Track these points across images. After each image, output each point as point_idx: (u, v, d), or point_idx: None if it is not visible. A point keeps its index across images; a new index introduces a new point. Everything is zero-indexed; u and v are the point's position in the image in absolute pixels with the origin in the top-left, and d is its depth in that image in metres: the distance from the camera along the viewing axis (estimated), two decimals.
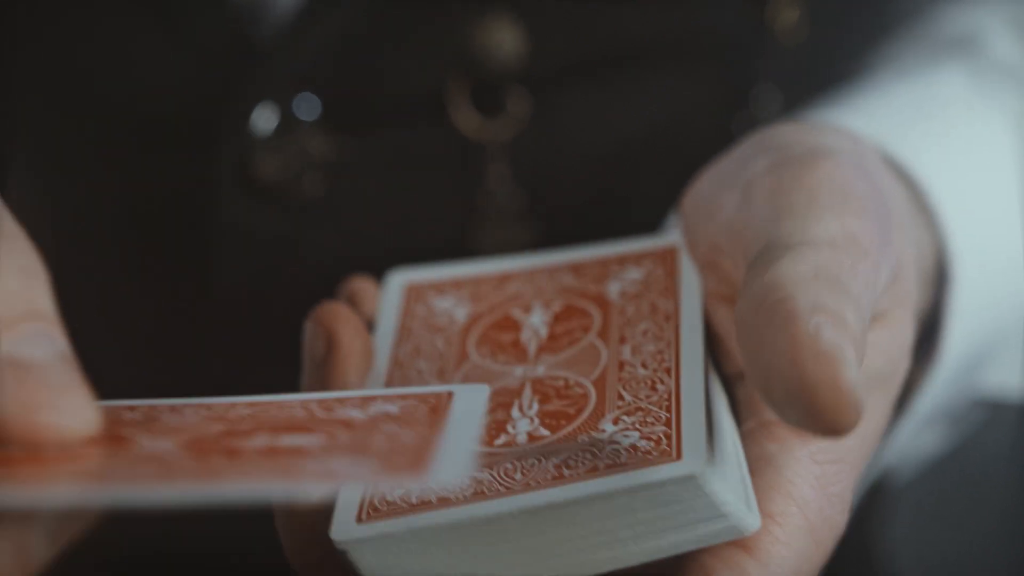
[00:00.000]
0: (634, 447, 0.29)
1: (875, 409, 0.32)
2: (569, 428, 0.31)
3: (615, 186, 0.48)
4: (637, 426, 0.30)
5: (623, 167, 0.48)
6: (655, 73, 0.49)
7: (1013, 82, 0.44)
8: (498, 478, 0.30)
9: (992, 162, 0.41)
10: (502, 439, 0.31)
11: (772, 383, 0.27)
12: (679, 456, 0.29)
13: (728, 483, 0.28)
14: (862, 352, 0.27)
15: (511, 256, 0.38)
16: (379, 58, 0.46)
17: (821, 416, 0.26)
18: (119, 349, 0.48)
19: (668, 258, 0.35)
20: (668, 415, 0.30)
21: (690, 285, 0.34)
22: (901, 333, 0.32)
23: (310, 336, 0.33)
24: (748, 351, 0.27)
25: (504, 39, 0.47)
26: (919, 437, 0.48)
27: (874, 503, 0.55)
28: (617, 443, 0.30)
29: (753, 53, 0.49)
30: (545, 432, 0.31)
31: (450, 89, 0.47)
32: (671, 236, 0.36)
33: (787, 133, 0.34)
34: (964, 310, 0.38)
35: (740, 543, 0.29)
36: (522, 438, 0.31)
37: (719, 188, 0.33)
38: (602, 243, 0.36)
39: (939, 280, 0.40)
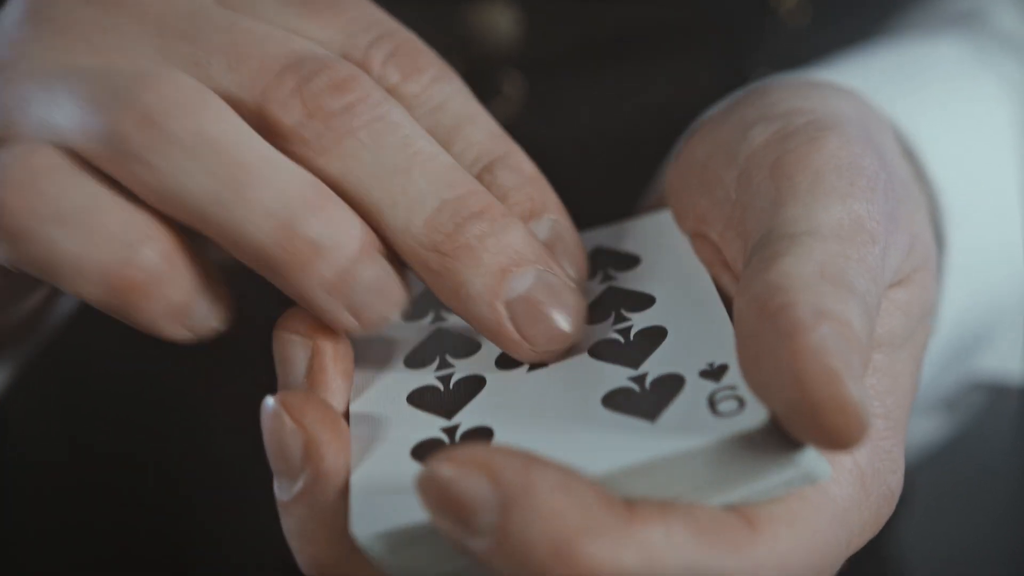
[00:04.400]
0: None
1: (903, 370, 0.31)
2: None
3: (611, 171, 0.47)
4: None
5: (619, 152, 0.48)
6: (653, 56, 0.48)
7: (1015, 52, 0.44)
8: None
9: (989, 130, 0.41)
10: None
11: (773, 396, 0.26)
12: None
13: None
14: (868, 356, 0.27)
15: None
16: None
17: (826, 433, 0.25)
18: None
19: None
20: None
21: (688, 252, 0.33)
22: (923, 293, 0.32)
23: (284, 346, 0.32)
24: (747, 357, 0.27)
25: (499, 21, 0.47)
26: (918, 424, 0.48)
27: None
28: None
29: (753, 36, 0.49)
30: None
31: None
32: (660, 214, 0.35)
33: (789, 97, 0.33)
34: (959, 278, 0.38)
35: None
36: None
37: (715, 157, 0.32)
38: (590, 230, 0.35)
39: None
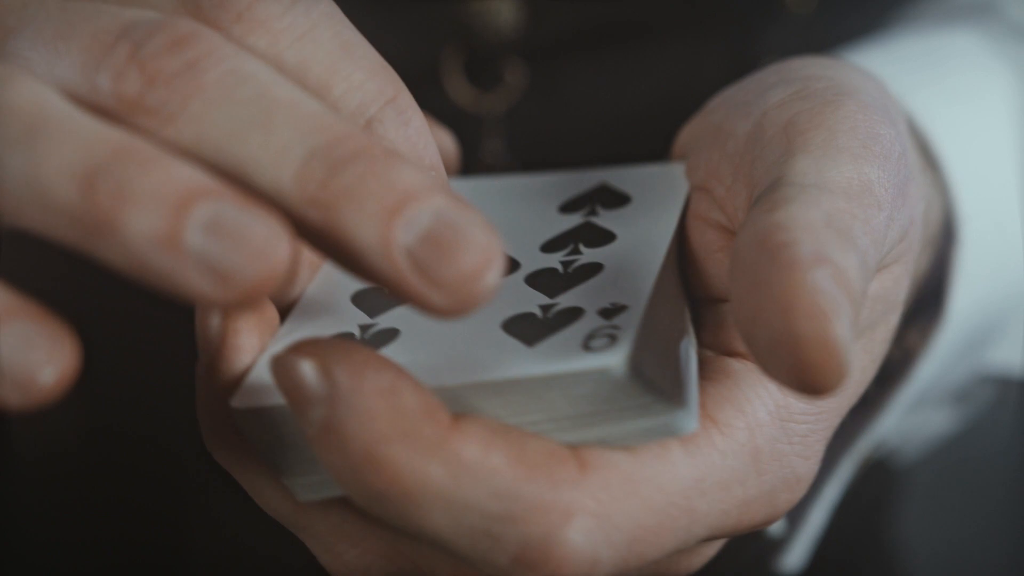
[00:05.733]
0: None
1: (853, 362, 0.30)
2: None
3: (613, 160, 0.47)
4: None
5: (622, 141, 0.48)
6: (656, 44, 0.48)
7: None
8: None
9: (1004, 123, 0.41)
10: None
11: (758, 329, 0.25)
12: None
13: (658, 381, 0.27)
14: (859, 312, 0.26)
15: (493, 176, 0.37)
16: (372, 27, 0.45)
17: (804, 372, 0.24)
18: None
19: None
20: None
21: (676, 199, 0.33)
22: (894, 286, 0.31)
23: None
24: (738, 289, 0.26)
25: (501, 9, 0.47)
26: (927, 418, 0.48)
27: (883, 485, 0.55)
28: None
29: (758, 24, 0.49)
30: None
31: (445, 60, 0.46)
32: (674, 165, 0.35)
33: (811, 65, 0.33)
34: (970, 271, 0.37)
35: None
36: None
37: (732, 114, 0.32)
38: (601, 168, 0.36)
39: (944, 240, 0.39)
